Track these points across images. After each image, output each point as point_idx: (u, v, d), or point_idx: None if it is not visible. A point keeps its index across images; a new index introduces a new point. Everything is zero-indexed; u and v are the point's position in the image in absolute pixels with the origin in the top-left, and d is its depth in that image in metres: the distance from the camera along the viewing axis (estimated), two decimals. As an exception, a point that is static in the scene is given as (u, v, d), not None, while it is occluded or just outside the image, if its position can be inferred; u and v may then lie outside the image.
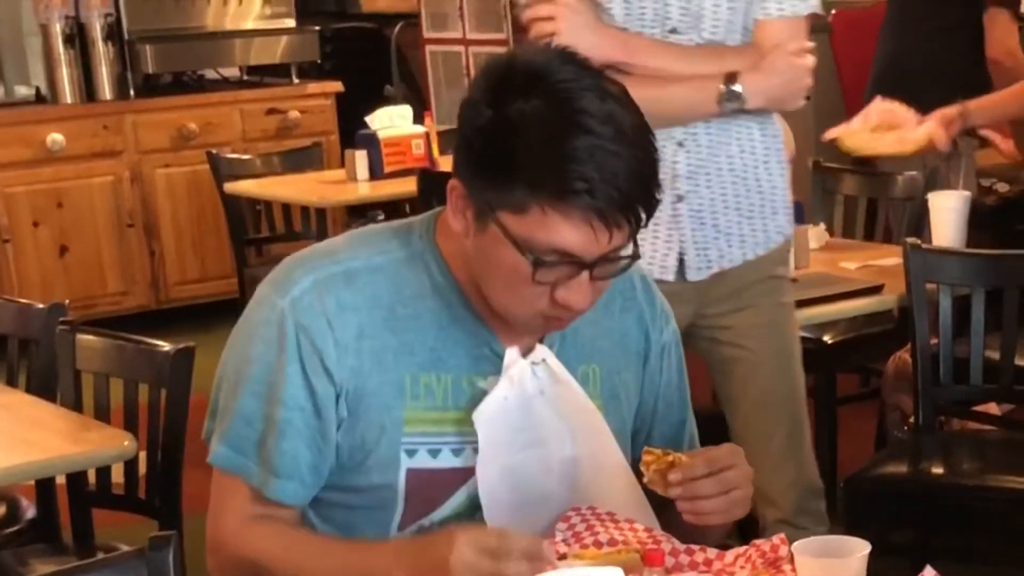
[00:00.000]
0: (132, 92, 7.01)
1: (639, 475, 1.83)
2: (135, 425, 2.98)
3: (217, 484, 1.88)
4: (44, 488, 3.19)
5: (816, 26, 3.12)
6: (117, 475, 3.06)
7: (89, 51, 6.90)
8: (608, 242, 1.71)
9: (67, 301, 3.43)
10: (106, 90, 6.93)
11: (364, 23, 8.46)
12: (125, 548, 2.55)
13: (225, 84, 7.42)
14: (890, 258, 3.62)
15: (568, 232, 1.69)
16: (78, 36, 6.87)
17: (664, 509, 1.88)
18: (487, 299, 1.81)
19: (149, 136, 6.87)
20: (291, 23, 7.40)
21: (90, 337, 3.10)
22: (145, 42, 6.98)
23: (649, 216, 1.74)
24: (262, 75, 7.49)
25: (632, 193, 1.70)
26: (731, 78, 2.71)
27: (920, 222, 3.99)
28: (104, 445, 2.80)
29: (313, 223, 5.71)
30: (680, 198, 2.79)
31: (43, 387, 3.21)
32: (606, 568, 1.59)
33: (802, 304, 3.18)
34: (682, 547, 1.78)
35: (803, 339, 3.12)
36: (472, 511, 1.87)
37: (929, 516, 3.22)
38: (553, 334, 1.88)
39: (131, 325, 5.15)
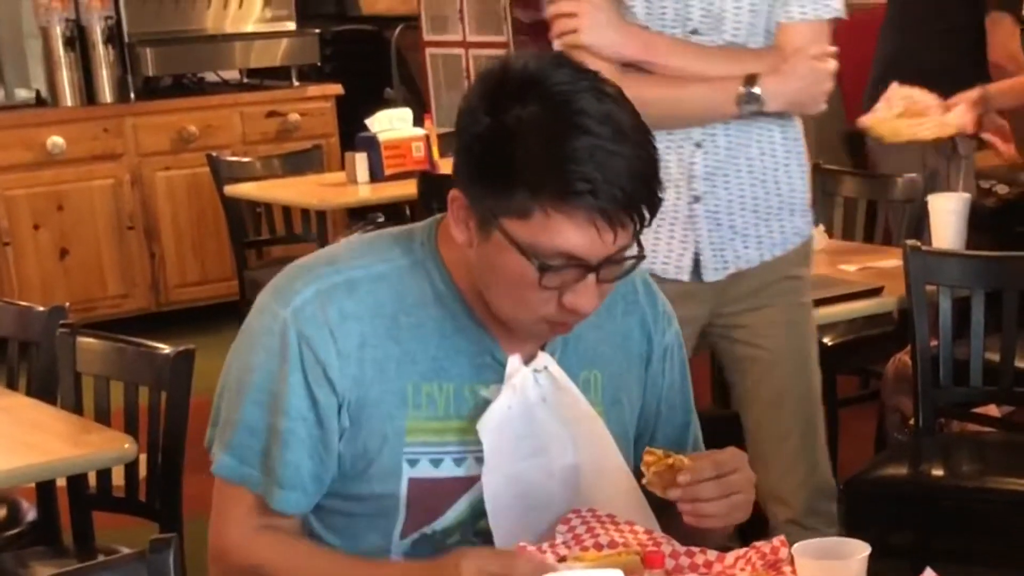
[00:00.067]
0: (132, 95, 7.02)
1: (641, 478, 1.83)
2: (135, 428, 2.98)
3: (220, 493, 1.88)
4: (45, 491, 3.19)
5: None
6: (117, 478, 3.06)
7: (89, 54, 6.91)
8: (613, 242, 1.71)
9: (67, 304, 3.43)
10: (106, 93, 6.94)
11: (364, 26, 8.47)
12: (125, 551, 2.54)
13: (225, 87, 7.42)
14: (890, 260, 3.62)
15: (573, 234, 1.69)
16: (78, 39, 6.87)
17: (665, 512, 1.88)
18: (492, 308, 1.80)
19: (149, 139, 6.87)
20: (291, 26, 7.41)
21: (90, 340, 3.10)
22: (145, 45, 6.99)
23: (652, 214, 1.73)
24: (262, 78, 7.49)
25: (635, 191, 1.69)
26: (751, 80, 2.70)
27: (920, 224, 3.99)
28: (104, 448, 2.80)
29: (313, 226, 5.71)
30: (697, 199, 2.79)
31: (43, 390, 3.21)
32: (606, 570, 1.60)
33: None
34: (682, 549, 1.78)
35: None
36: (474, 519, 1.87)
37: (929, 518, 3.23)
38: (555, 340, 1.88)
39: (131, 328, 5.14)
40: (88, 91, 6.92)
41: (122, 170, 6.82)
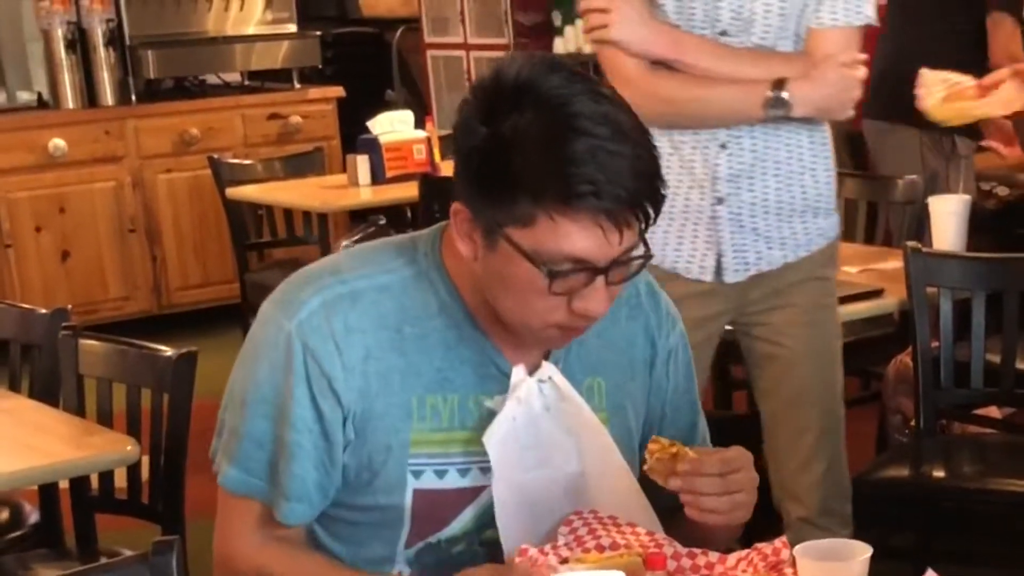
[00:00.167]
0: (134, 97, 7.02)
1: (643, 464, 1.83)
2: (138, 430, 2.98)
3: (225, 504, 1.87)
4: (47, 493, 3.19)
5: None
6: (120, 480, 3.06)
7: (91, 56, 6.91)
8: (619, 243, 1.70)
9: (69, 306, 3.43)
10: (108, 95, 6.94)
11: (365, 28, 8.48)
12: (128, 553, 2.54)
13: (227, 89, 7.42)
14: (891, 262, 3.62)
15: (579, 237, 1.68)
16: (80, 41, 6.88)
17: (669, 517, 1.89)
18: (502, 318, 1.79)
19: (151, 141, 6.87)
20: (292, 28, 7.41)
21: (93, 342, 3.10)
22: (147, 47, 6.99)
23: (657, 213, 1.72)
24: (263, 80, 7.49)
25: (638, 190, 1.68)
26: (779, 85, 2.71)
27: (920, 226, 4.00)
28: (107, 450, 2.81)
29: (315, 228, 5.71)
30: (720, 200, 2.80)
31: (46, 392, 3.21)
32: (608, 572, 1.60)
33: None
34: (684, 550, 1.79)
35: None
36: (479, 529, 1.87)
37: (930, 519, 3.23)
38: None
39: (133, 330, 5.15)
40: (89, 93, 6.92)
41: (123, 172, 6.82)
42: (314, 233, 5.72)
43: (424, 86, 7.80)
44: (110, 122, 6.83)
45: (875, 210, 4.41)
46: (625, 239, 1.70)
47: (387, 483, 1.82)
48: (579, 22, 6.75)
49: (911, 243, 3.34)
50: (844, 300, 3.42)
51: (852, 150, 5.31)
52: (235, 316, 6.07)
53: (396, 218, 5.30)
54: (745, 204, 2.80)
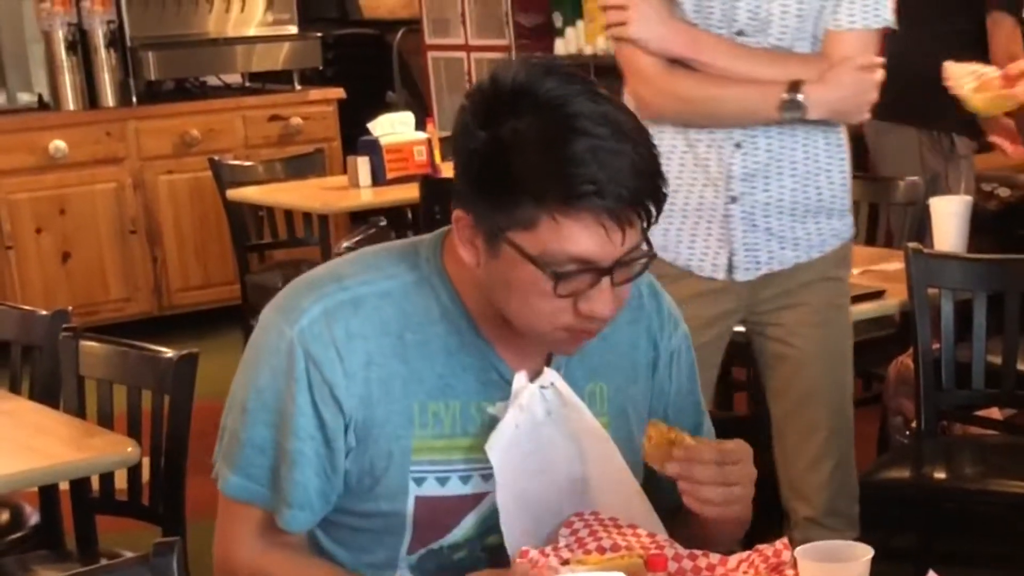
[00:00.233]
0: (134, 99, 7.02)
1: (649, 478, 1.83)
2: (138, 431, 2.98)
3: (226, 510, 1.87)
4: (47, 495, 3.19)
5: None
6: (120, 481, 3.06)
7: (92, 58, 6.91)
8: (622, 242, 1.69)
9: (70, 308, 3.43)
10: (108, 97, 6.94)
11: (366, 29, 8.48)
12: (129, 554, 2.55)
13: (227, 91, 7.42)
14: (892, 263, 3.62)
15: (582, 237, 1.67)
16: (80, 43, 6.88)
17: (671, 519, 1.88)
18: (511, 323, 1.78)
19: (151, 143, 6.88)
20: (293, 30, 7.41)
21: (93, 343, 3.10)
22: (147, 49, 6.99)
23: (659, 211, 1.71)
24: (264, 82, 7.50)
25: (639, 188, 1.68)
26: (795, 87, 2.70)
27: (922, 227, 4.00)
28: (107, 451, 2.80)
29: (315, 229, 5.72)
30: (733, 199, 2.80)
31: (46, 393, 3.21)
32: (609, 574, 1.60)
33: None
34: (685, 552, 1.78)
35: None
36: (481, 535, 1.86)
37: (931, 520, 3.23)
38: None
39: (134, 332, 5.16)
40: (90, 95, 6.92)
41: (124, 174, 6.82)
42: (315, 234, 5.73)
43: (425, 87, 7.80)
44: (111, 123, 6.83)
45: (876, 211, 4.41)
46: (628, 238, 1.69)
47: (389, 490, 1.82)
48: (580, 23, 6.76)
49: (912, 244, 3.34)
50: (845, 301, 3.43)
51: (854, 151, 5.31)
52: (236, 317, 6.07)
53: (397, 219, 5.30)
54: (759, 204, 2.80)
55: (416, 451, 1.81)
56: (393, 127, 5.70)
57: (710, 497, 1.77)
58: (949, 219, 3.67)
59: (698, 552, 1.79)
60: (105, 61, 6.92)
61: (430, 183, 5.14)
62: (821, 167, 2.83)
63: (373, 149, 5.62)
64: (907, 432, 3.80)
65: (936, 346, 3.28)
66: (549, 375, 1.85)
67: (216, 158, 6.07)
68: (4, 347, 3.43)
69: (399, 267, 1.84)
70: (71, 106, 6.87)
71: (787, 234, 2.83)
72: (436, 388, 1.82)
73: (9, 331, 3.40)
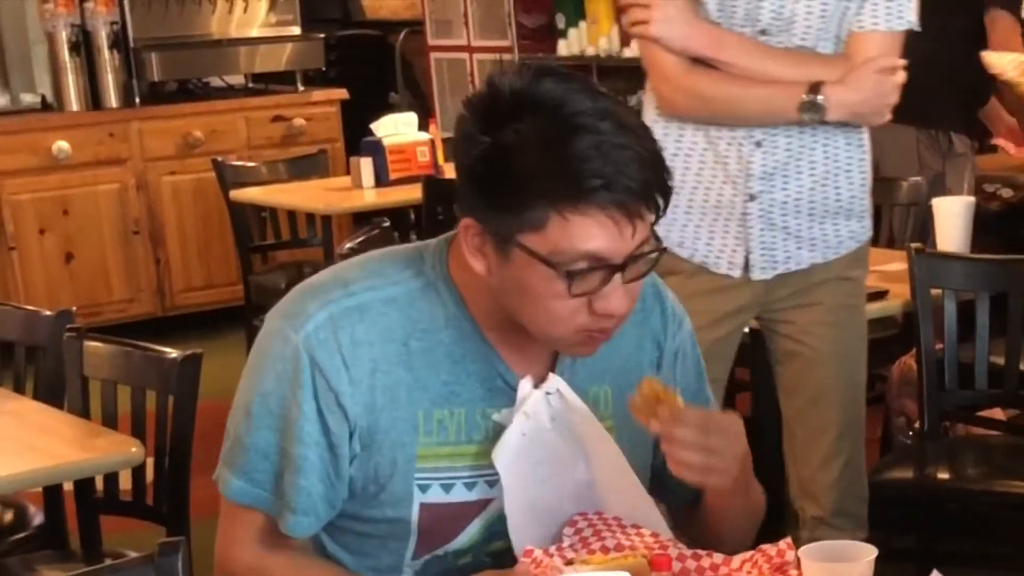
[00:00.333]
0: (138, 100, 7.03)
1: (651, 481, 1.83)
2: (142, 431, 2.98)
3: (228, 513, 1.87)
4: (52, 495, 3.20)
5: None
6: (125, 481, 3.06)
7: (95, 59, 6.92)
8: (632, 236, 1.69)
9: (73, 308, 3.43)
10: (112, 98, 6.95)
11: (369, 30, 8.47)
12: (133, 555, 2.55)
13: (230, 92, 7.43)
14: (894, 264, 3.62)
15: (592, 232, 1.67)
16: (84, 44, 6.88)
17: (682, 520, 1.89)
18: (528, 329, 1.77)
19: (155, 143, 6.88)
20: (296, 31, 7.42)
21: (97, 344, 3.11)
22: (151, 50, 7.00)
23: (666, 204, 1.71)
24: (267, 83, 7.50)
25: (647, 180, 1.68)
26: (815, 88, 2.70)
27: (924, 227, 4.00)
28: (111, 452, 2.81)
29: (318, 230, 5.72)
30: (752, 197, 2.80)
31: (50, 394, 3.21)
32: (613, 573, 1.60)
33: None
34: (689, 552, 1.78)
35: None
36: (486, 541, 1.86)
37: (935, 521, 3.23)
38: (564, 359, 1.86)
39: (137, 332, 5.16)
40: (93, 96, 6.93)
41: (127, 175, 6.83)
42: (318, 235, 5.73)
43: (427, 88, 7.80)
44: (114, 124, 6.83)
45: (879, 212, 4.41)
46: (638, 232, 1.69)
47: (393, 497, 1.82)
48: (583, 24, 6.76)
49: (915, 244, 3.35)
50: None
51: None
52: (239, 318, 6.07)
53: (400, 220, 5.31)
54: (777, 203, 2.80)
55: (421, 458, 1.81)
56: (396, 128, 5.70)
57: (688, 460, 1.75)
58: (952, 220, 3.67)
59: (702, 552, 1.79)
60: (108, 62, 6.93)
61: (433, 184, 5.14)
62: (841, 167, 2.83)
63: (376, 150, 5.63)
64: (910, 432, 3.81)
65: (939, 346, 3.28)
66: (554, 381, 1.85)
67: (219, 159, 6.07)
68: (8, 347, 3.43)
69: (404, 273, 1.84)
70: (74, 107, 6.87)
71: (804, 234, 2.83)
72: (441, 396, 1.81)
73: (13, 331, 3.40)
